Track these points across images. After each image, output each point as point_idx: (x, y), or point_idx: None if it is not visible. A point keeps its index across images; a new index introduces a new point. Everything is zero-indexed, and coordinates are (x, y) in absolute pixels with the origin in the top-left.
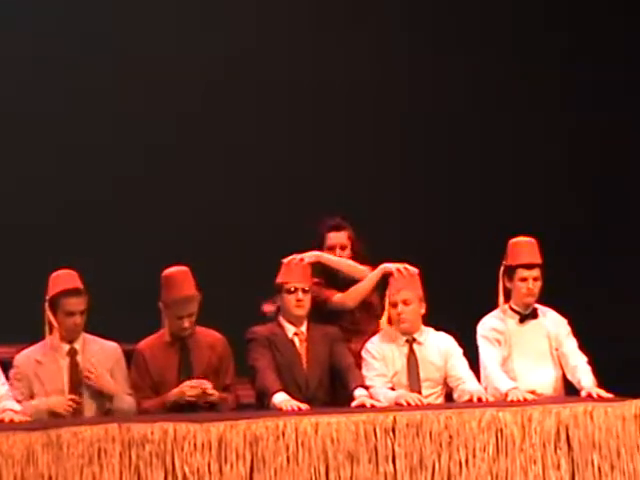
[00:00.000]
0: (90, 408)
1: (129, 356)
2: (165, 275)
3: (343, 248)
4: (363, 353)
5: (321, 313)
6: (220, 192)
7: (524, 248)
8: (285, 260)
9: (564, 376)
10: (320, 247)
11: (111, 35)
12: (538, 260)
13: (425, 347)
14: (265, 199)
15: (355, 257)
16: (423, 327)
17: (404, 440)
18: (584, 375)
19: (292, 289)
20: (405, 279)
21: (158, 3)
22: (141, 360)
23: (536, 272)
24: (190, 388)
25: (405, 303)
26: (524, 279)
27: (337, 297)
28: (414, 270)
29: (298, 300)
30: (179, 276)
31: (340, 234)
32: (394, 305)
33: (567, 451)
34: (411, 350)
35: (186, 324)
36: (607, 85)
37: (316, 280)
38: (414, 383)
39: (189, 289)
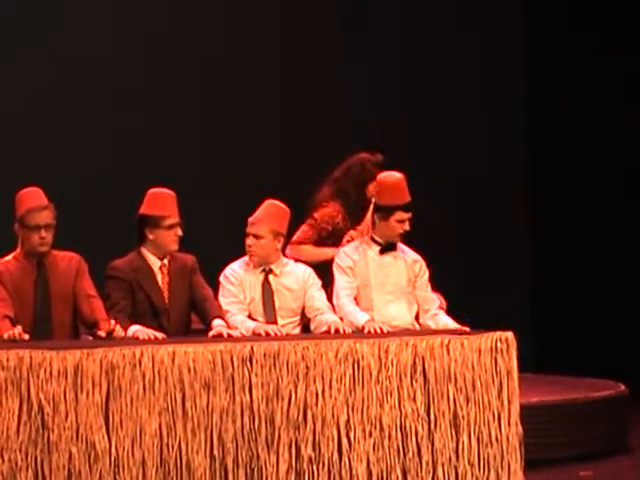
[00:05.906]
0: None
1: None
2: (18, 195)
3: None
4: (221, 279)
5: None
6: None
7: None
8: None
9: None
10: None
11: None
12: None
13: (282, 277)
14: None
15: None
16: (283, 258)
17: (261, 370)
18: (441, 315)
19: (172, 224)
20: (265, 213)
21: None
22: None
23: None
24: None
25: (256, 237)
26: (402, 220)
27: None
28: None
29: (177, 236)
30: (32, 192)
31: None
32: (247, 236)
33: (423, 383)
34: (266, 280)
35: (43, 234)
36: None
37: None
38: (269, 313)
39: (42, 200)
